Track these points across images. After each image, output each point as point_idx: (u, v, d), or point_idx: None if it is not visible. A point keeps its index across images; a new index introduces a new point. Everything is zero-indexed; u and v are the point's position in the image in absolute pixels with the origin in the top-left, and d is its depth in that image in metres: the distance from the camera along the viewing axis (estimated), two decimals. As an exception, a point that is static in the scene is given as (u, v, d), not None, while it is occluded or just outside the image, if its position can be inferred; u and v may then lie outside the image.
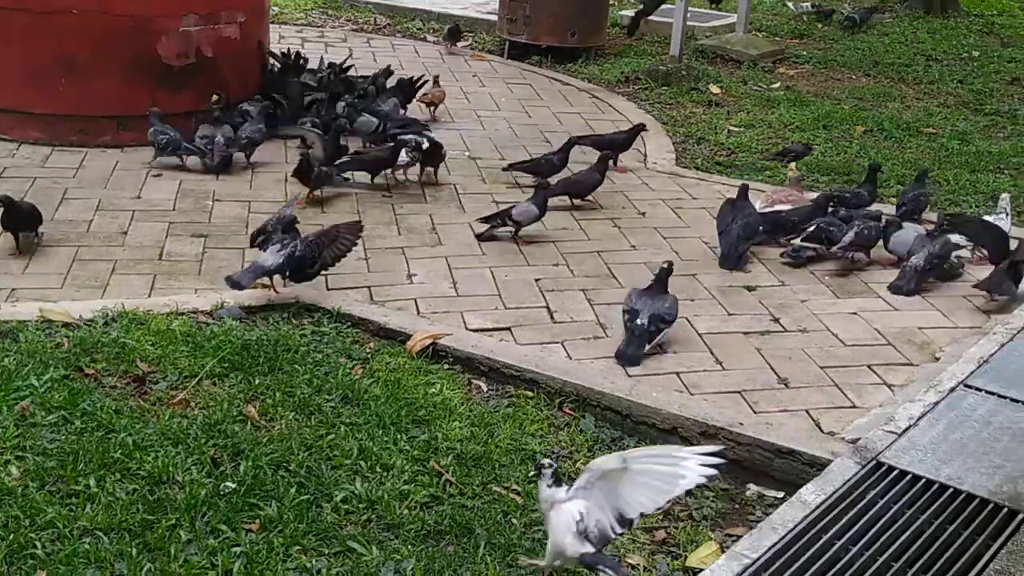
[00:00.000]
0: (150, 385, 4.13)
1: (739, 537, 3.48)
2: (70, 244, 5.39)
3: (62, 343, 4.34)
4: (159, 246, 5.47)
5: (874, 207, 6.15)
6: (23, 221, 5.26)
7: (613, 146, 6.90)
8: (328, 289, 5.09)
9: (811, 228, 5.70)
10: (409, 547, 3.39)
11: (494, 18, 10.35)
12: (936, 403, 4.15)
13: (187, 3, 6.83)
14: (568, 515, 3.09)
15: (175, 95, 6.88)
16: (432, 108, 7.85)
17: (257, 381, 4.20)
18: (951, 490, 3.62)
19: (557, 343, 4.72)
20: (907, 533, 3.42)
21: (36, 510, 3.34)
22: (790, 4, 12.20)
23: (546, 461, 3.20)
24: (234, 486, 3.54)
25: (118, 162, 6.54)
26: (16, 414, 3.82)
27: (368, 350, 4.57)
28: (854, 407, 4.29)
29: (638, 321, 4.65)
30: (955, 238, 5.61)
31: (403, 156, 6.48)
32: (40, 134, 6.73)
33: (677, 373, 4.50)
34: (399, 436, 3.95)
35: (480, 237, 5.80)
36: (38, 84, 6.67)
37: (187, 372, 4.22)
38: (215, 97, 6.98)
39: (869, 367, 4.62)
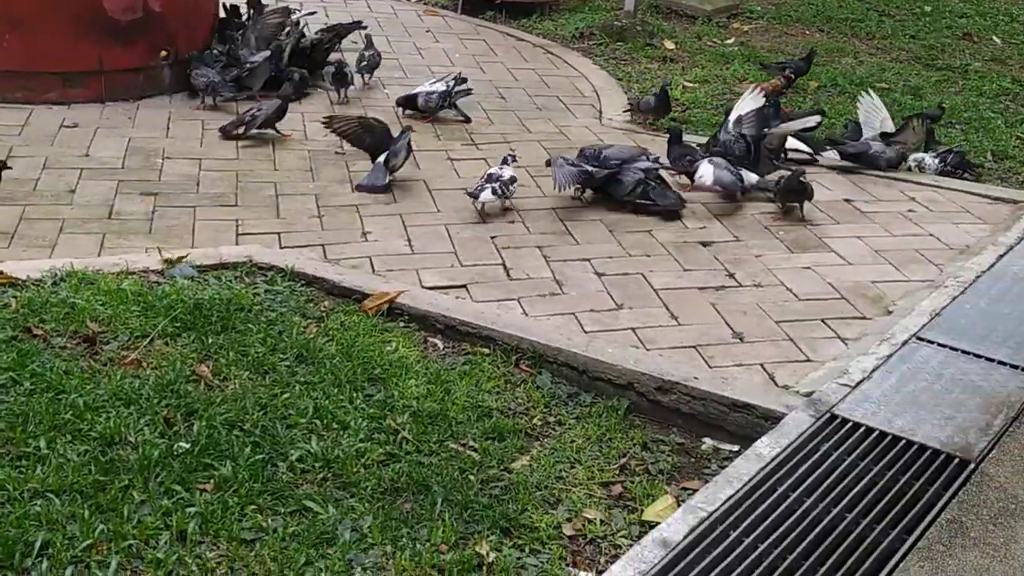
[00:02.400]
0: (101, 345, 4.07)
1: (695, 491, 3.50)
2: (17, 203, 5.29)
3: (9, 303, 4.25)
4: (108, 205, 5.38)
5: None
6: None
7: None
8: (281, 247, 5.04)
9: None
10: (366, 505, 3.37)
11: (447, -27, 10.24)
12: (889, 356, 4.19)
13: (134, -44, 6.69)
14: None
15: (123, 51, 6.76)
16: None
17: (210, 340, 4.15)
18: (904, 441, 3.66)
19: (513, 300, 4.71)
20: (861, 484, 3.46)
21: (-15, 473, 3.30)
22: None
23: None
24: (188, 446, 3.50)
25: (64, 119, 6.42)
26: (-37, 376, 3.75)
27: (323, 309, 4.54)
28: (808, 361, 4.32)
29: None
30: None
31: None
32: (-17, 91, 6.59)
33: (633, 328, 4.51)
34: (355, 395, 3.92)
35: None
36: (-20, 40, 6.53)
37: (139, 332, 4.16)
38: (163, 53, 6.87)
39: (823, 321, 4.65)
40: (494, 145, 6.59)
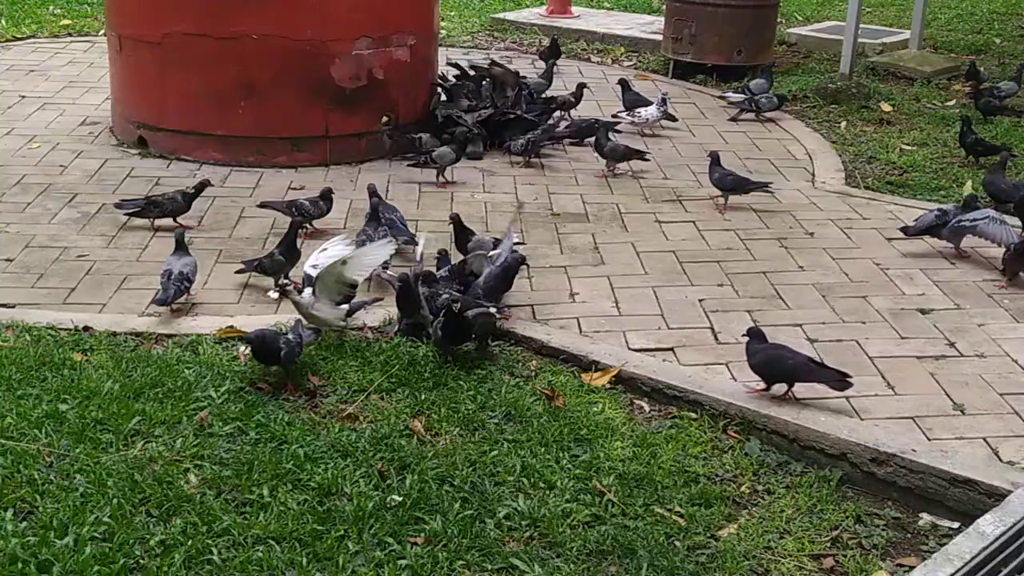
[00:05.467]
0: (321, 398, 4.26)
1: (911, 567, 3.38)
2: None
3: (238, 356, 4.50)
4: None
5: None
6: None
7: None
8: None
9: None
10: (571, 566, 3.39)
11: (659, 38, 10.31)
12: None
13: (361, 27, 7.02)
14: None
15: (347, 117, 7.09)
16: None
17: (423, 396, 4.29)
18: None
19: (721, 364, 4.66)
20: (1094, 571, 3.25)
21: (213, 517, 3.48)
22: None
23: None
24: (400, 499, 3.62)
25: (291, 181, 6.76)
26: (196, 424, 3.98)
27: (531, 368, 4.61)
28: (1036, 436, 4.11)
29: None
30: None
31: None
32: (220, 155, 7.02)
33: (847, 397, 4.38)
34: (561, 455, 3.97)
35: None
36: (219, 107, 6.97)
37: (356, 386, 4.34)
38: (385, 119, 7.16)
39: (1052, 394, 4.42)
40: (703, 207, 6.57)
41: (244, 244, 5.81)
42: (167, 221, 5.92)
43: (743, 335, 4.47)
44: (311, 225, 5.98)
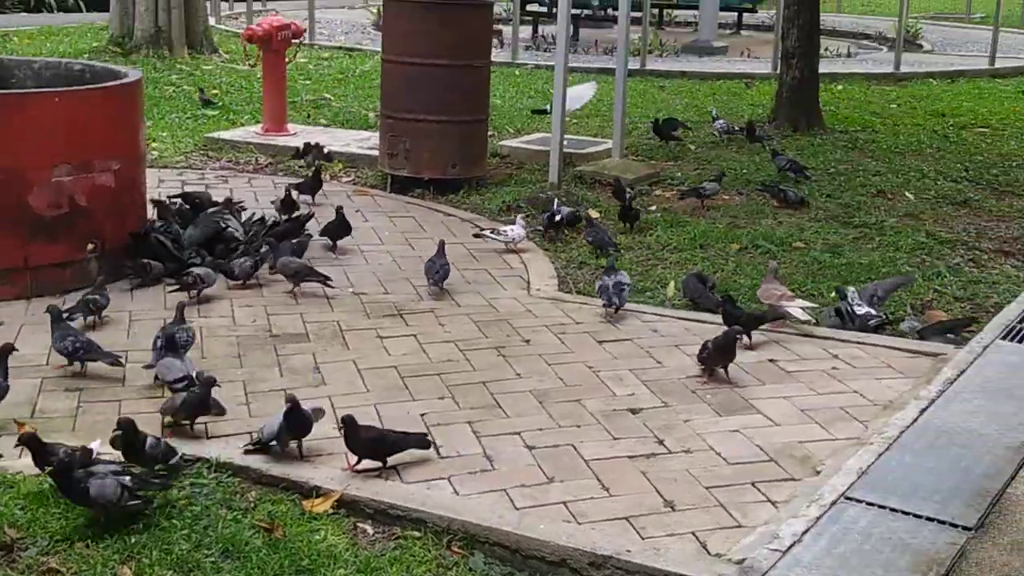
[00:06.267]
0: (18, 553, 3.97)
1: (630, 670, 3.44)
2: (-64, 406, 5.20)
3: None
4: (31, 403, 5.31)
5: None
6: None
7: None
8: (208, 438, 4.99)
9: None
10: None
11: (375, 153, 10.45)
12: (818, 517, 4.21)
13: (59, 154, 6.77)
14: None
15: (48, 246, 6.77)
16: None
17: (133, 540, 4.08)
18: (837, 606, 3.65)
19: (444, 479, 4.68)
20: (796, 654, 3.43)
21: None
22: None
23: None
24: (106, 656, 3.40)
25: (-11, 317, 6.39)
26: None
27: (250, 499, 4.48)
28: (740, 526, 4.32)
29: None
30: None
31: None
32: (-96, 292, 6.56)
33: (564, 502, 4.49)
34: (282, 589, 3.86)
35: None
36: (-98, 241, 6.53)
37: (59, 535, 4.08)
38: (90, 246, 6.90)
39: (752, 484, 4.66)
40: (424, 318, 6.65)
41: (-66, 388, 5.40)
42: None
43: (339, 426, 4.82)
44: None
